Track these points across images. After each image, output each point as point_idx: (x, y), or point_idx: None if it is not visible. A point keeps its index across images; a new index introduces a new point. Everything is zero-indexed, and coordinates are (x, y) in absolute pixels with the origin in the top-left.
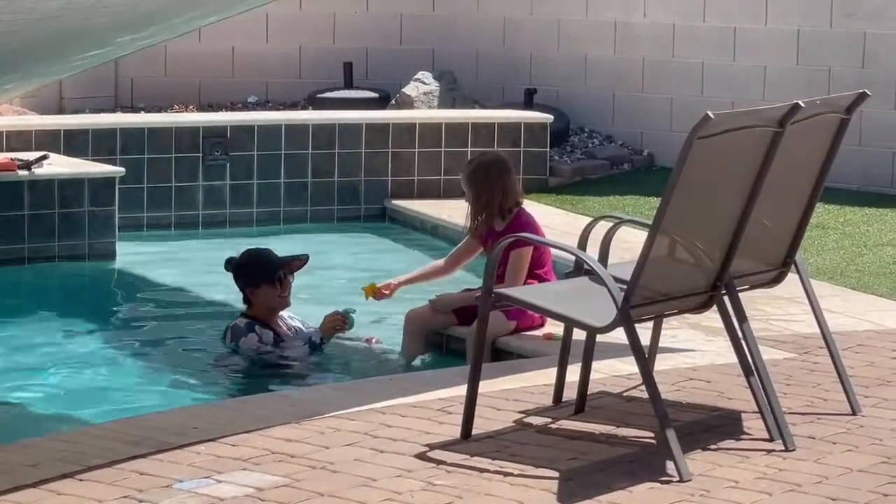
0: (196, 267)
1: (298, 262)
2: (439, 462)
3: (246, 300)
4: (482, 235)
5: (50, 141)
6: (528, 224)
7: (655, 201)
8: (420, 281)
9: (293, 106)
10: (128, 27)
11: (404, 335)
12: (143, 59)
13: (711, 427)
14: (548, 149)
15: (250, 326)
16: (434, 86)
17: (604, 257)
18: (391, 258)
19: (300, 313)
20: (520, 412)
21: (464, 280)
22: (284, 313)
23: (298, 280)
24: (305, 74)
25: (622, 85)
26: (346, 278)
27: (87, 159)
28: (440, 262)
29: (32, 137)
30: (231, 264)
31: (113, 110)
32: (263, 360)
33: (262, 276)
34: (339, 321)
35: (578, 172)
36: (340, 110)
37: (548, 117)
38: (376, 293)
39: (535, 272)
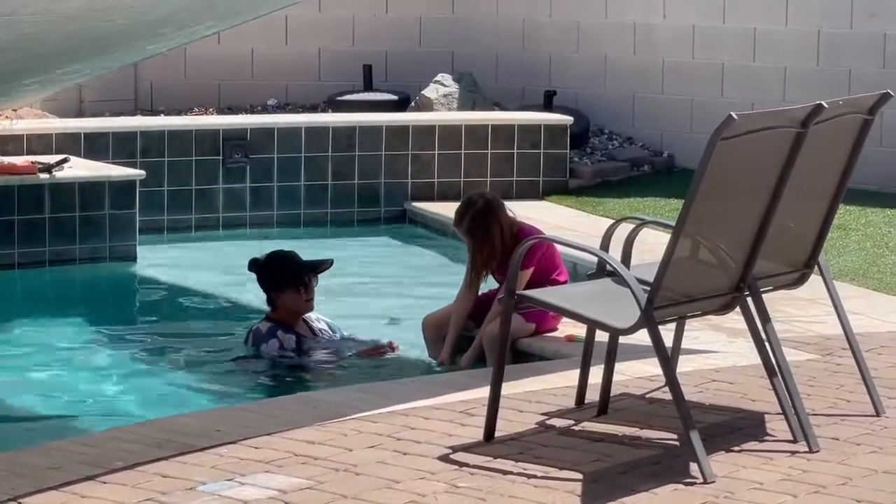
0: (217, 269)
1: (324, 266)
2: (462, 464)
3: (270, 302)
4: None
5: (70, 144)
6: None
7: (676, 203)
8: (456, 334)
9: (313, 108)
10: (147, 31)
11: (425, 341)
12: (163, 62)
13: (735, 428)
14: (568, 151)
15: (272, 332)
16: (454, 88)
17: (626, 259)
18: (411, 260)
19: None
20: (542, 414)
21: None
22: (311, 315)
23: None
24: (325, 77)
25: (642, 86)
26: (366, 280)
27: (108, 162)
28: (456, 318)
29: (53, 141)
30: (255, 265)
31: (133, 113)
32: (285, 362)
33: (287, 279)
34: (383, 352)
35: (599, 174)
36: (360, 113)
37: (568, 119)
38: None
39: (550, 277)
